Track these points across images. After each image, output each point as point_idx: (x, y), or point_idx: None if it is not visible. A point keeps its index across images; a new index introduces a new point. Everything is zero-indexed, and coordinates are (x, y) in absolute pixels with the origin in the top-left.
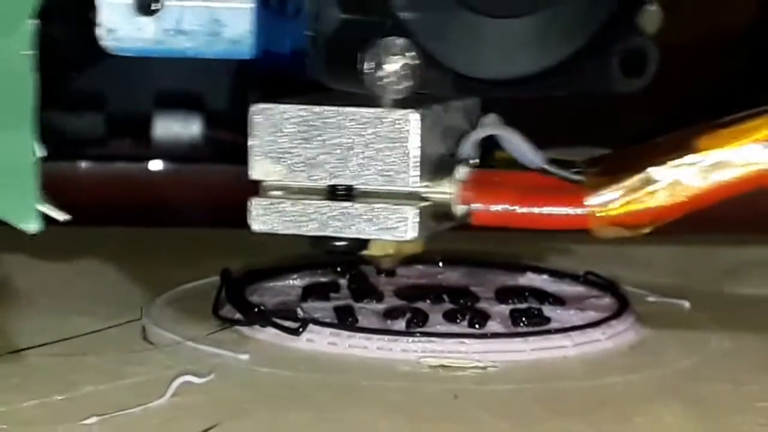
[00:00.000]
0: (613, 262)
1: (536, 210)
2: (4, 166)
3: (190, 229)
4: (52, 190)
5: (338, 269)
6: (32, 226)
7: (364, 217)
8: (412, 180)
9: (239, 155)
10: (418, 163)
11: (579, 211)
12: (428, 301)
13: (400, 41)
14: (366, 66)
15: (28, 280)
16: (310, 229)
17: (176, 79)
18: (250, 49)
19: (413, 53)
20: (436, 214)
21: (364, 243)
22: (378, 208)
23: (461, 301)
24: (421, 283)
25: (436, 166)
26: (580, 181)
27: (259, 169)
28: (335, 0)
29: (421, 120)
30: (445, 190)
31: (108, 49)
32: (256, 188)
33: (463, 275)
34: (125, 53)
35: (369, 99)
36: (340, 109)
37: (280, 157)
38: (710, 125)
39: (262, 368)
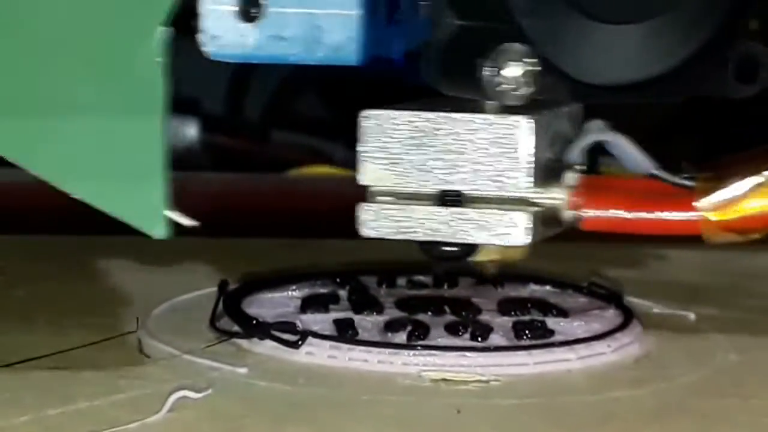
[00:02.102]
0: (618, 266)
1: (647, 215)
2: (134, 170)
3: (186, 238)
4: (46, 198)
5: (337, 280)
6: (158, 232)
7: (475, 222)
8: (523, 185)
9: (236, 162)
10: (530, 169)
11: (691, 216)
12: (429, 313)
13: (520, 47)
14: (486, 72)
15: (22, 290)
16: (420, 235)
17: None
18: (355, 55)
19: (533, 59)
20: (545, 220)
21: (473, 249)
22: (489, 214)
23: (463, 313)
24: (423, 295)
25: (546, 172)
26: (691, 187)
27: (368, 174)
28: (451, 6)
29: (533, 125)
30: (554, 196)
31: (210, 56)
32: (251, 196)
33: (464, 286)
34: (227, 59)
35: (476, 104)
36: (451, 115)
37: (390, 163)
38: None
39: (260, 382)
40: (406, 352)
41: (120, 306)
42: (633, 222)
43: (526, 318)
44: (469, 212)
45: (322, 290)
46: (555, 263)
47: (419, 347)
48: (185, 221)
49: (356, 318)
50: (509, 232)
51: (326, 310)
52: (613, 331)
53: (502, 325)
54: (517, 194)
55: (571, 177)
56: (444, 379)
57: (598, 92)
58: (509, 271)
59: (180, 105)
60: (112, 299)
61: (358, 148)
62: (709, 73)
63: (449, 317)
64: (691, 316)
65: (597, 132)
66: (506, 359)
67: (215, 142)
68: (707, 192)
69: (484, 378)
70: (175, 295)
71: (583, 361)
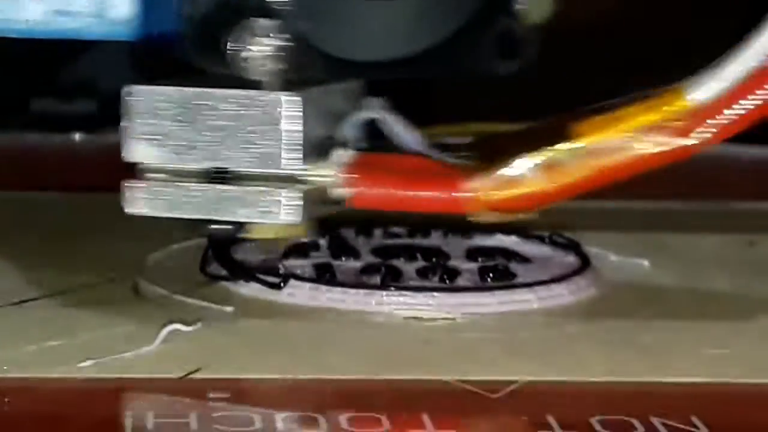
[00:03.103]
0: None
1: (414, 193)
2: None
3: None
4: (47, 161)
5: (318, 230)
6: None
7: (240, 200)
8: (286, 163)
9: None
10: (296, 146)
11: (458, 194)
12: (402, 259)
13: (267, 22)
14: (232, 47)
15: (29, 241)
16: (186, 213)
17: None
18: (132, 30)
19: (283, 35)
20: (315, 198)
21: (242, 227)
22: (252, 192)
23: (433, 259)
24: (397, 243)
25: (315, 149)
26: (460, 165)
27: (134, 151)
28: None
29: (295, 102)
30: (324, 173)
31: None
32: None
33: (436, 236)
34: (7, 34)
35: (248, 82)
36: (215, 91)
37: (156, 140)
38: (586, 110)
39: (245, 319)
40: (379, 292)
41: (117, 254)
42: (402, 200)
43: (491, 263)
44: (235, 190)
45: (304, 239)
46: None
47: (392, 288)
48: None
49: (335, 263)
50: (275, 210)
51: (307, 256)
52: (571, 275)
53: (468, 269)
54: (284, 172)
55: (341, 154)
56: (414, 317)
57: (358, 69)
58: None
59: None
60: (110, 248)
61: (123, 124)
62: (471, 49)
63: (420, 263)
64: (645, 263)
65: (368, 110)
66: (471, 299)
67: None
68: (475, 171)
69: (450, 316)
70: (169, 245)
71: (543, 301)
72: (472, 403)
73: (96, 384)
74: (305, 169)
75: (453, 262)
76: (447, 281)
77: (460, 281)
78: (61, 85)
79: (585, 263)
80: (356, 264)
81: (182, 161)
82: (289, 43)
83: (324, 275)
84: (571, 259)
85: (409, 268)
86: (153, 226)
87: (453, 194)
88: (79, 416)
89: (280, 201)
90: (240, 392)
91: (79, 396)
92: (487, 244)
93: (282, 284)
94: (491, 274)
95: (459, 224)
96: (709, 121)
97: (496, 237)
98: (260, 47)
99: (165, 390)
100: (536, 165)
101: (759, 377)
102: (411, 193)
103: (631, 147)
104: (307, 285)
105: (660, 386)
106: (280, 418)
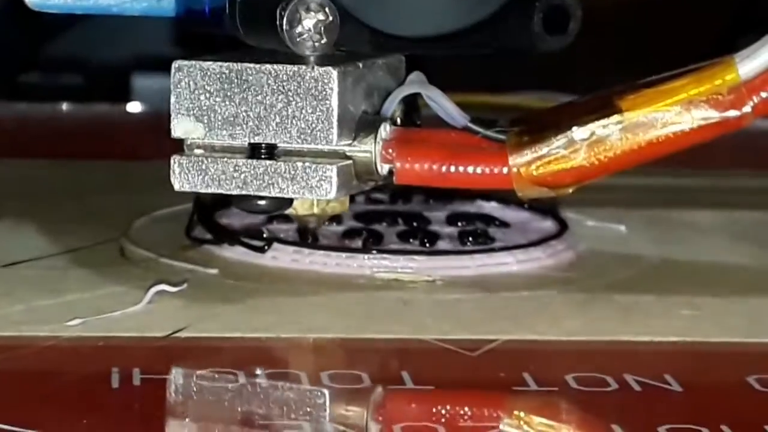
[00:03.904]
0: None
1: (459, 169)
2: None
3: (166, 163)
4: (37, 129)
5: None
6: None
7: (285, 175)
8: (332, 138)
9: None
10: (340, 121)
11: (502, 170)
12: (384, 223)
13: None
14: (283, 22)
15: (19, 205)
16: (231, 188)
17: (157, 42)
18: (173, 6)
19: (329, 9)
20: (359, 173)
21: (287, 202)
22: (299, 167)
23: (414, 224)
24: (379, 209)
25: (359, 124)
26: (504, 140)
27: (180, 127)
28: None
29: (342, 76)
30: (368, 149)
31: (31, 6)
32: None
33: (417, 202)
34: (48, 9)
35: (292, 56)
36: (260, 66)
37: (201, 115)
38: (633, 85)
39: (230, 281)
40: (361, 255)
41: (104, 219)
42: (445, 175)
43: (471, 228)
44: (280, 165)
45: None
46: None
47: (373, 251)
48: None
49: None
50: (320, 185)
51: (290, 220)
52: (549, 238)
53: (448, 233)
54: (329, 147)
55: (385, 129)
56: (395, 280)
57: (402, 44)
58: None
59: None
60: (97, 213)
61: (171, 100)
62: (517, 25)
63: (401, 227)
64: (622, 228)
65: (411, 85)
66: (450, 262)
67: None
68: (519, 146)
69: (430, 278)
70: (155, 210)
71: (521, 264)
72: (451, 360)
73: (83, 342)
74: (350, 144)
75: (433, 227)
76: (427, 245)
77: (440, 245)
78: (48, 58)
79: (562, 228)
80: (338, 228)
81: (228, 137)
82: (335, 17)
83: (307, 239)
84: (548, 224)
85: (390, 232)
86: (139, 192)
87: (496, 169)
88: (66, 373)
89: (329, 176)
90: (224, 350)
91: (66, 353)
92: (467, 209)
93: (266, 247)
94: (470, 238)
95: (440, 190)
96: (761, 93)
97: (476, 203)
98: (310, 22)
99: (151, 348)
100: (581, 140)
101: (729, 336)
102: (454, 168)
103: (676, 121)
104: (291, 248)
105: (634, 345)
106: (264, 375)
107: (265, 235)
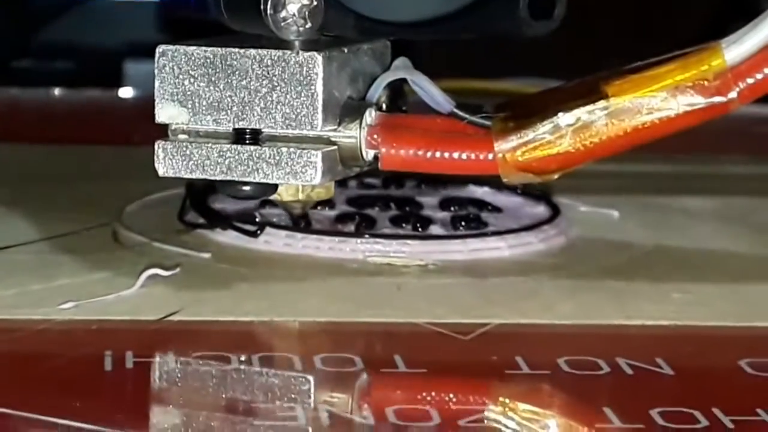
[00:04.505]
0: None
1: (444, 155)
2: None
3: None
4: (29, 114)
5: None
6: None
7: (270, 161)
8: (317, 123)
9: None
10: (325, 106)
11: (487, 156)
12: (377, 208)
13: None
14: (268, 7)
15: (10, 190)
16: (216, 173)
17: (149, 28)
18: None
19: None
20: (344, 159)
21: (272, 188)
22: (283, 152)
23: (407, 209)
24: (371, 194)
25: (344, 110)
26: (489, 126)
27: (164, 112)
28: None
29: (327, 62)
30: (353, 134)
31: None
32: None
33: (410, 187)
34: None
35: (277, 41)
36: (245, 51)
37: (186, 100)
38: (618, 71)
39: (223, 265)
40: (353, 240)
41: (96, 204)
42: (430, 161)
43: (463, 212)
44: (264, 150)
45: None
46: None
47: (366, 236)
48: None
49: (310, 212)
50: (305, 170)
51: None
52: (541, 223)
53: (441, 218)
54: (313, 132)
55: (370, 115)
56: (388, 264)
57: (388, 29)
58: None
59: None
60: (89, 198)
61: (155, 85)
62: (504, 11)
63: (394, 212)
64: (615, 213)
65: (397, 70)
66: (443, 247)
67: None
68: (504, 131)
69: (422, 263)
70: (147, 195)
71: (513, 249)
72: (444, 344)
73: (76, 325)
74: (335, 130)
75: (426, 212)
76: (420, 229)
77: (433, 229)
78: (41, 43)
79: (555, 213)
80: (331, 213)
81: (213, 122)
82: (318, 2)
83: (299, 223)
84: (541, 209)
85: (383, 216)
86: (131, 178)
87: (481, 155)
88: (59, 356)
89: (314, 162)
90: (217, 334)
91: (59, 336)
92: (459, 194)
93: (258, 232)
94: (463, 223)
95: (432, 176)
96: (747, 79)
97: (469, 188)
98: (295, 7)
99: (144, 331)
100: (567, 126)
101: (721, 321)
102: (439, 153)
103: (663, 107)
104: (283, 233)
105: (626, 329)
106: (257, 358)
107: (257, 220)
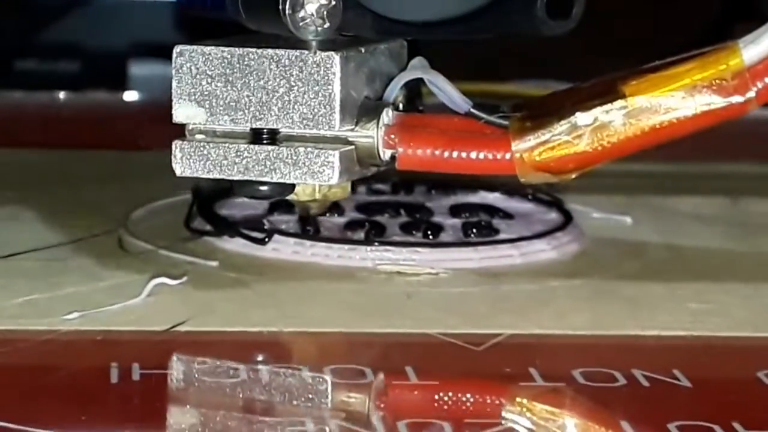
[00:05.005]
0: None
1: (461, 154)
2: None
3: (164, 152)
4: (35, 118)
5: None
6: None
7: (287, 161)
8: (335, 123)
9: None
10: (342, 106)
11: (505, 156)
12: (386, 215)
13: None
14: (286, 6)
15: (15, 195)
16: (233, 173)
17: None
18: None
19: None
20: (361, 159)
21: (289, 188)
22: (301, 152)
23: (417, 216)
24: (381, 200)
25: (362, 110)
26: (507, 126)
27: (181, 111)
28: None
29: (344, 62)
30: (370, 134)
31: None
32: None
33: (420, 193)
34: None
35: (294, 41)
36: (263, 51)
37: (203, 100)
38: (636, 70)
39: (230, 273)
40: (363, 247)
41: (101, 209)
42: (447, 161)
43: (474, 219)
44: (282, 150)
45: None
46: None
47: (376, 243)
48: None
49: (319, 219)
50: (322, 170)
51: (292, 211)
52: (554, 230)
53: (452, 225)
54: (331, 132)
55: (387, 115)
56: (398, 272)
57: (406, 29)
58: (461, 179)
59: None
60: (94, 204)
61: (173, 85)
62: (520, 10)
63: (404, 219)
64: (628, 220)
65: (414, 70)
66: (454, 254)
67: None
68: (522, 131)
69: (433, 271)
70: (153, 201)
71: (525, 257)
72: (456, 355)
73: (82, 336)
74: (353, 130)
75: (436, 218)
76: (430, 237)
77: (444, 237)
78: (45, 45)
79: (567, 219)
80: (340, 220)
81: (230, 122)
82: (336, 2)
83: (308, 230)
84: (553, 216)
85: (392, 223)
86: (136, 182)
87: (499, 155)
88: (64, 367)
89: (331, 162)
90: (224, 344)
91: (64, 347)
92: (470, 200)
93: (266, 239)
94: (474, 230)
95: (442, 181)
96: (765, 79)
97: (479, 194)
98: (313, 7)
99: (151, 342)
100: (584, 125)
101: (739, 331)
102: (456, 153)
103: (680, 106)
104: (292, 240)
105: (642, 339)
106: (265, 370)
107: (266, 227)
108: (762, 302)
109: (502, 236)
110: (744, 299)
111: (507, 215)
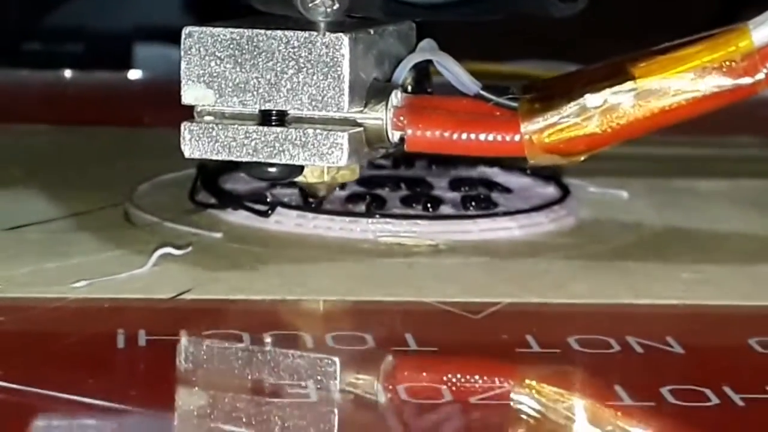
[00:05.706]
0: None
1: (470, 136)
2: None
3: (169, 128)
4: (40, 96)
5: None
6: None
7: (296, 142)
8: (344, 105)
9: None
10: (351, 88)
11: (514, 137)
12: (387, 188)
13: None
14: None
15: (22, 171)
16: (242, 155)
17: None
18: None
19: None
20: (369, 140)
21: (298, 169)
22: (309, 134)
23: (417, 189)
24: (382, 174)
25: (370, 92)
26: (516, 108)
27: (190, 93)
28: None
29: (353, 43)
30: (379, 116)
31: None
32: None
33: (420, 167)
34: None
35: (302, 23)
36: (271, 32)
37: (212, 82)
38: (646, 52)
39: (234, 244)
40: (364, 220)
41: (107, 184)
42: (456, 143)
43: (473, 193)
44: (291, 132)
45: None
46: None
47: (377, 216)
48: None
49: None
50: (331, 152)
51: (294, 185)
52: (551, 204)
53: (451, 198)
54: (340, 114)
55: (396, 97)
56: (398, 244)
57: (415, 10)
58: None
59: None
60: (100, 179)
61: (181, 67)
62: None
63: (404, 192)
64: (624, 194)
65: (422, 52)
66: (453, 227)
67: None
68: (531, 113)
69: (433, 242)
70: (158, 176)
71: (523, 229)
72: (454, 323)
73: (89, 303)
74: (362, 111)
75: (436, 192)
76: (430, 209)
77: (443, 210)
78: (51, 25)
79: (565, 193)
80: (342, 193)
81: (239, 103)
82: None
83: (310, 203)
84: (551, 190)
85: (393, 196)
86: (141, 159)
87: (508, 137)
88: (72, 334)
89: (340, 143)
90: (228, 312)
91: (73, 314)
92: (469, 174)
93: (269, 212)
94: (473, 203)
95: (442, 156)
96: None
97: (479, 168)
98: None
99: (156, 309)
100: (593, 107)
101: (731, 299)
102: (465, 135)
103: (690, 88)
104: (294, 212)
105: (636, 308)
106: (268, 337)
107: (268, 200)
108: (753, 273)
109: (500, 209)
110: (736, 270)
111: (505, 189)
